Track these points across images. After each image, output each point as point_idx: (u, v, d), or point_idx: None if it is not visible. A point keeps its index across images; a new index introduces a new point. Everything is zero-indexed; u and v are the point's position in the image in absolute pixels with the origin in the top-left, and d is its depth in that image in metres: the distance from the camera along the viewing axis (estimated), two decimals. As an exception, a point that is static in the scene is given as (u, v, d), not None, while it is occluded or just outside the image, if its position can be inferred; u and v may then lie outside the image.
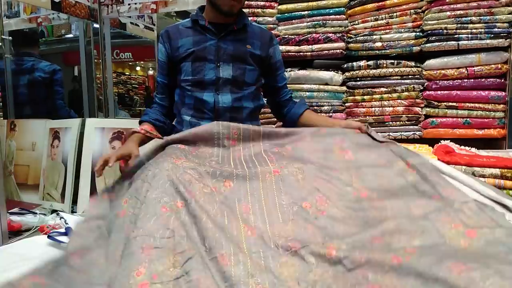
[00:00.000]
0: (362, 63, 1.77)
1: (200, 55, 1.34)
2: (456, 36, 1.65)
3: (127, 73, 8.74)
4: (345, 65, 1.81)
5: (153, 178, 0.96)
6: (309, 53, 1.84)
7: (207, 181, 1.02)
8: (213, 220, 0.91)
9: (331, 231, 0.91)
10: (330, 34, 1.82)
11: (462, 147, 1.51)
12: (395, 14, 1.75)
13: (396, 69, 1.73)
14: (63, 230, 1.54)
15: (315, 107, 1.86)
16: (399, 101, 1.73)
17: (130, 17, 2.67)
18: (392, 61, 1.74)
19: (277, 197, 1.00)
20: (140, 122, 1.41)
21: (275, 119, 1.94)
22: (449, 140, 1.57)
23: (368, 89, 1.79)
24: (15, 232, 1.62)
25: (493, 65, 1.62)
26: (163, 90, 1.46)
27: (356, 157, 1.13)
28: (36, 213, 1.80)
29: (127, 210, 0.95)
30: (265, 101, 1.58)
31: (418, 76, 1.71)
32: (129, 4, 2.31)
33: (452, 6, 1.64)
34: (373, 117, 1.79)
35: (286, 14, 1.89)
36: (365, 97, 1.79)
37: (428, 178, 1.02)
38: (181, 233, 0.87)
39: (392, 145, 1.18)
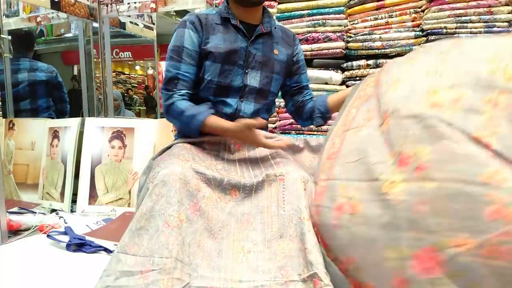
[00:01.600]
0: (362, 62, 1.77)
1: (230, 59, 1.23)
2: (455, 35, 1.65)
3: (126, 72, 8.75)
4: (345, 64, 1.81)
5: (161, 183, 0.95)
6: (309, 52, 1.84)
7: (214, 188, 1.02)
8: (211, 243, 0.96)
9: (315, 257, 0.92)
10: (330, 34, 1.82)
11: (462, 146, 1.51)
12: (394, 13, 1.75)
13: (396, 69, 1.73)
14: (62, 229, 1.54)
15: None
16: (398, 100, 1.73)
17: (129, 16, 2.67)
18: (392, 60, 1.74)
19: (279, 207, 1.01)
20: (201, 123, 1.14)
21: (274, 118, 1.94)
22: (448, 140, 1.57)
23: (368, 89, 1.79)
24: (15, 232, 1.62)
25: (492, 65, 1.62)
26: (186, 90, 1.20)
27: None
28: (36, 213, 1.81)
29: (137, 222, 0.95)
30: (284, 104, 1.48)
31: (418, 75, 1.71)
32: (128, 3, 2.31)
33: (451, 5, 1.64)
34: (373, 116, 1.78)
35: (286, 14, 1.89)
36: (364, 96, 1.79)
37: None
38: (178, 256, 0.88)
39: None
